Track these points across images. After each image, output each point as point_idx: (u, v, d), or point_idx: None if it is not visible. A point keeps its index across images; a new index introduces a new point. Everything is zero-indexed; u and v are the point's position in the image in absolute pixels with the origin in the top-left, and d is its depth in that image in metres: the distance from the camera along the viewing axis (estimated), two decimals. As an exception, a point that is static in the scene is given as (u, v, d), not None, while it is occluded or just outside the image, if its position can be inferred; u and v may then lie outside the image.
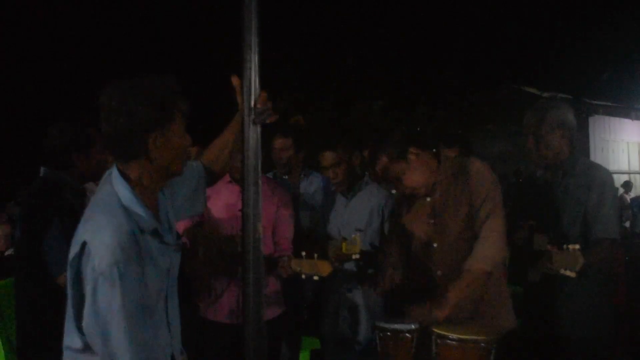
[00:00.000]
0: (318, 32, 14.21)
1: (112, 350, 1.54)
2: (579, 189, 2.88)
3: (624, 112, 16.86)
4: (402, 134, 2.70)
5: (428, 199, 2.66)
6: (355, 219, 3.41)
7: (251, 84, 2.07)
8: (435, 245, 2.61)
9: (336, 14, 14.87)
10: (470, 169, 2.58)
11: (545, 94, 14.70)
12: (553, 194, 2.95)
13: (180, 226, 3.07)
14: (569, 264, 2.51)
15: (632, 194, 13.66)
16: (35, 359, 2.70)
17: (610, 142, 16.55)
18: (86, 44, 15.26)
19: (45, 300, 2.64)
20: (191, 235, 3.10)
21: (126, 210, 1.62)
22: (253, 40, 2.07)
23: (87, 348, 1.63)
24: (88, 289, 1.55)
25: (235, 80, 2.08)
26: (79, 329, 1.61)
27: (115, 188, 1.66)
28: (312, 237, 3.54)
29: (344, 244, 3.03)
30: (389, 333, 2.32)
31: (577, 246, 2.51)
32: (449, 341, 2.22)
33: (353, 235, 3.06)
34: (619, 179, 14.33)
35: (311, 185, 3.97)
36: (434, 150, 2.68)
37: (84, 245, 1.57)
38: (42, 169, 2.83)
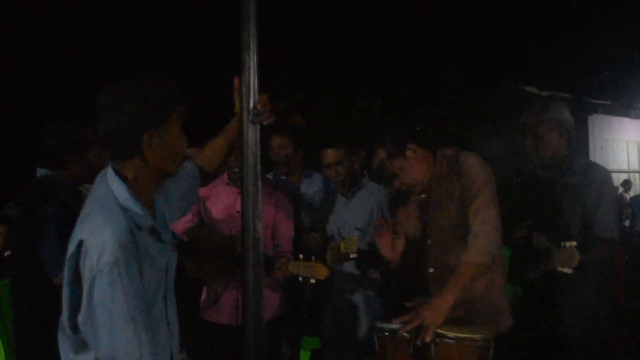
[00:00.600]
0: (318, 32, 14.20)
1: (109, 348, 1.54)
2: (578, 188, 2.88)
3: (624, 111, 16.86)
4: (401, 130, 2.69)
5: (423, 196, 2.65)
6: (355, 219, 3.41)
7: (250, 84, 2.08)
8: (429, 242, 2.60)
9: (336, 14, 14.87)
10: (462, 164, 2.56)
11: (545, 93, 14.69)
12: (552, 193, 2.95)
13: (180, 226, 3.07)
14: (566, 261, 2.52)
15: (632, 193, 13.66)
16: (35, 359, 2.70)
17: (610, 141, 16.55)
18: (86, 44, 15.25)
19: (43, 301, 2.64)
20: (191, 236, 3.10)
21: (123, 208, 1.63)
22: (252, 41, 2.07)
23: (79, 349, 1.63)
24: (85, 287, 1.54)
25: (236, 82, 2.08)
26: (73, 328, 1.61)
27: (111, 187, 1.66)
28: (312, 237, 3.54)
29: (342, 243, 3.04)
30: (386, 333, 2.32)
31: (574, 243, 2.52)
32: (447, 340, 2.22)
33: (350, 235, 3.06)
34: (618, 178, 14.34)
35: (312, 186, 3.97)
36: (431, 148, 2.68)
37: (80, 243, 1.57)
38: (38, 170, 2.84)
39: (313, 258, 2.89)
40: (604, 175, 2.93)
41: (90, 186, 1.77)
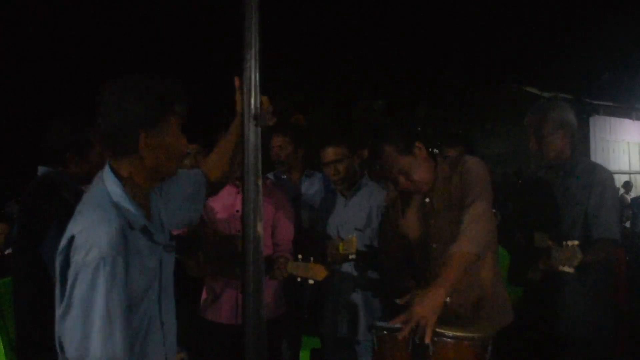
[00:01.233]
0: (318, 32, 14.21)
1: (81, 346, 1.53)
2: (580, 189, 2.87)
3: (625, 112, 16.87)
4: (408, 128, 2.68)
5: (427, 200, 2.65)
6: (354, 219, 3.40)
7: (251, 84, 2.07)
8: (434, 246, 2.60)
9: (336, 14, 14.87)
10: (462, 167, 2.56)
11: (546, 94, 14.70)
12: (554, 194, 2.94)
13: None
14: (567, 260, 2.51)
15: (633, 194, 13.67)
16: (35, 359, 2.70)
17: (611, 142, 16.55)
18: (86, 44, 15.25)
19: (44, 300, 2.63)
20: (193, 233, 3.09)
21: (116, 206, 1.63)
22: (253, 40, 2.06)
23: None
24: (69, 281, 1.54)
25: (237, 82, 2.08)
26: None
27: (106, 184, 1.66)
28: (311, 238, 3.54)
29: (340, 245, 3.03)
30: (385, 332, 2.31)
31: (576, 242, 2.51)
32: (445, 339, 2.21)
33: (349, 236, 3.05)
34: (619, 179, 14.34)
35: (312, 186, 3.97)
36: (433, 149, 2.67)
37: (72, 239, 1.57)
38: (39, 168, 2.83)
39: (312, 259, 2.89)
40: (606, 176, 2.92)
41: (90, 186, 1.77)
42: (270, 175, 3.90)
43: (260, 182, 2.10)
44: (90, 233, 1.55)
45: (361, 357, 3.35)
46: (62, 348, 1.63)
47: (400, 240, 2.79)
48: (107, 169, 1.70)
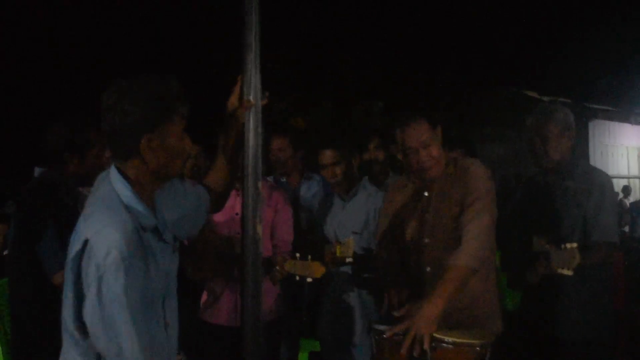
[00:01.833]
0: (317, 32, 14.22)
1: (118, 341, 1.54)
2: (579, 192, 2.87)
3: (624, 116, 16.87)
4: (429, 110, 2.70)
5: (425, 194, 2.65)
6: (352, 222, 3.40)
7: (251, 84, 2.07)
8: (426, 240, 2.59)
9: (336, 14, 14.88)
10: (470, 170, 2.57)
11: (545, 98, 14.71)
12: (552, 197, 2.94)
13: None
14: (566, 262, 2.51)
15: (631, 199, 13.69)
16: (32, 359, 2.69)
17: (610, 146, 16.55)
18: (86, 44, 15.24)
19: (41, 299, 2.63)
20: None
21: (127, 207, 1.62)
22: (253, 40, 2.06)
23: (87, 354, 1.62)
24: (92, 285, 1.53)
25: (238, 80, 2.07)
26: (81, 330, 1.60)
27: (114, 186, 1.66)
28: (310, 240, 3.53)
29: (338, 248, 3.03)
30: (384, 335, 2.31)
31: (575, 245, 2.51)
32: (444, 345, 2.21)
33: (347, 239, 3.05)
34: (618, 184, 14.33)
35: (311, 189, 3.96)
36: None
37: (85, 242, 1.56)
38: (36, 169, 2.83)
39: (309, 257, 2.89)
40: (605, 180, 2.92)
41: (89, 189, 1.76)
42: (269, 179, 3.89)
43: (260, 184, 2.09)
44: (106, 236, 1.54)
45: (359, 360, 3.35)
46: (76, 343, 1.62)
47: (394, 231, 2.76)
48: (113, 170, 1.69)
